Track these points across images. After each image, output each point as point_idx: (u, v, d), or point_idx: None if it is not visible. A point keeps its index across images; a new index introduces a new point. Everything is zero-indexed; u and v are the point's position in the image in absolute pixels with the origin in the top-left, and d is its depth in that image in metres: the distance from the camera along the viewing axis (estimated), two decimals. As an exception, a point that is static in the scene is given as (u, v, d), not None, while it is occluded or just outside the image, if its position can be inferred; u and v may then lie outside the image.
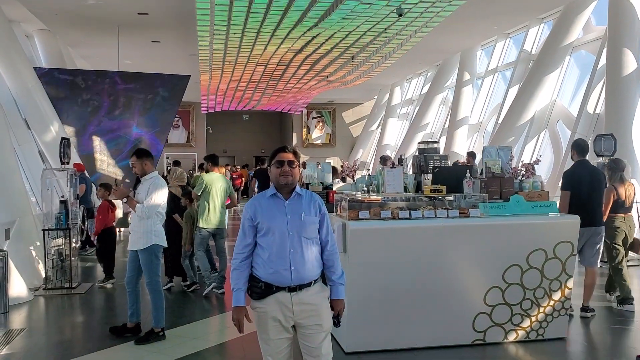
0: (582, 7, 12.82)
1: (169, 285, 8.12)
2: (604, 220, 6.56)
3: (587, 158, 6.50)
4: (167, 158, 26.98)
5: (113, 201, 8.93)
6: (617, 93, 10.88)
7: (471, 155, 13.32)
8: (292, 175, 3.29)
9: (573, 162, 6.53)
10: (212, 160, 8.06)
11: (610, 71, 11.18)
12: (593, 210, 5.96)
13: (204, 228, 7.66)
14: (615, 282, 6.90)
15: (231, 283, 3.30)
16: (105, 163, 14.42)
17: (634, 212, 7.29)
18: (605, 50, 11.82)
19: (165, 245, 5.79)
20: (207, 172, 8.04)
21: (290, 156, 3.31)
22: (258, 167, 17.63)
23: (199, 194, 7.72)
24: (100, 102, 13.59)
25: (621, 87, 10.85)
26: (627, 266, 9.22)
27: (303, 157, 27.71)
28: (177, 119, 27.49)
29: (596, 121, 12.21)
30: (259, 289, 3.25)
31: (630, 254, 9.45)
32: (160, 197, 5.57)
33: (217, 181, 7.75)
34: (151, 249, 5.55)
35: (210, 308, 7.30)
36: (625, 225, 6.83)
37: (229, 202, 8.43)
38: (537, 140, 14.53)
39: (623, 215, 6.82)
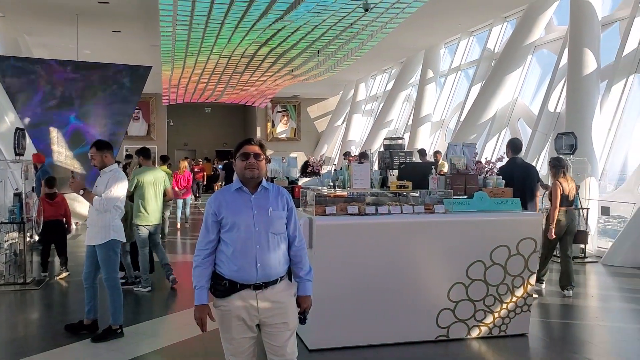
0: (545, 7, 13.02)
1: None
2: (555, 213, 7.16)
3: (520, 155, 7.27)
4: (127, 150, 26.44)
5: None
6: (577, 92, 11.09)
7: (421, 152, 13.43)
8: (258, 169, 3.14)
9: (507, 159, 7.16)
10: (143, 154, 7.70)
11: (571, 70, 11.39)
12: (525, 203, 6.40)
13: (141, 225, 7.34)
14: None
15: (193, 281, 3.14)
16: (63, 155, 13.99)
17: (595, 209, 7.50)
18: (566, 50, 12.04)
19: (124, 240, 5.61)
20: (139, 166, 7.68)
21: (256, 148, 3.16)
22: (227, 161, 17.41)
23: (132, 190, 7.31)
24: (56, 92, 13.15)
25: (582, 87, 11.06)
26: (585, 263, 9.45)
27: (267, 152, 27.48)
28: (137, 110, 26.95)
29: (557, 120, 12.45)
30: (222, 287, 3.12)
31: (587, 250, 9.73)
32: (120, 190, 5.39)
33: (150, 176, 7.43)
34: (109, 244, 5.36)
35: (170, 305, 7.14)
36: (567, 217, 7.31)
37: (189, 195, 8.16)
38: (499, 138, 14.73)
39: (565, 208, 7.29)
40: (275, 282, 3.14)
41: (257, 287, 3.10)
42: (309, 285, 3.29)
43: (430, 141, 17.92)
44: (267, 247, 3.10)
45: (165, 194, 7.63)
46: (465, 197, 5.55)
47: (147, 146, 8.89)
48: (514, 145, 7.21)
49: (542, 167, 12.59)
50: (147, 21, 13.67)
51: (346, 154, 15.02)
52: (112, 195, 5.28)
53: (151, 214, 7.35)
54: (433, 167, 5.73)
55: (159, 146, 27.44)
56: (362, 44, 14.00)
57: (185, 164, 14.59)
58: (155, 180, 7.47)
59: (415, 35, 15.85)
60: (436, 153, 13.34)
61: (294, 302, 3.24)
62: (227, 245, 3.11)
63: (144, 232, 7.38)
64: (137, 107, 26.03)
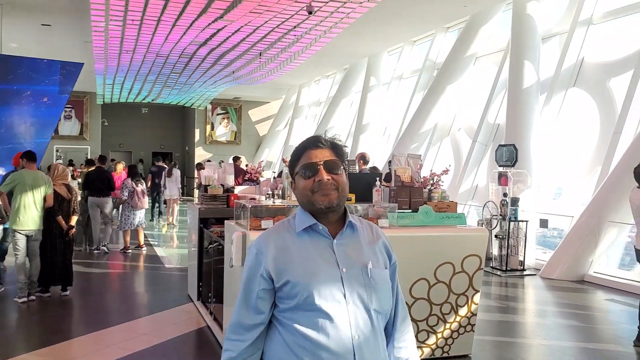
0: (486, 19, 13.11)
1: (47, 295, 7.28)
2: None
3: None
4: (57, 151, 25.19)
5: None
6: (518, 104, 11.14)
7: (362, 158, 13.17)
8: (339, 189, 1.85)
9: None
10: (27, 157, 7.36)
11: (511, 83, 11.45)
12: None
13: (17, 230, 6.94)
14: None
15: None
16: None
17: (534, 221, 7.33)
18: (506, 62, 12.12)
19: None
20: (22, 168, 7.30)
21: (327, 154, 1.87)
22: (158, 164, 16.58)
23: (5, 192, 7.03)
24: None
25: (522, 99, 11.13)
26: (524, 275, 9.43)
27: (205, 155, 26.76)
28: (70, 109, 25.73)
29: (496, 131, 12.51)
30: None
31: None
32: None
33: (30, 179, 7.03)
34: None
35: (93, 322, 6.54)
36: None
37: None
38: (439, 147, 14.74)
39: None
40: None
41: None
42: None
43: (372, 149, 17.78)
44: (371, 337, 1.79)
45: (45, 200, 7.13)
46: (410, 210, 5.29)
47: (76, 147, 8.37)
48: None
49: (480, 178, 12.63)
50: (79, 15, 12.89)
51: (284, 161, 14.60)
52: None
53: (30, 219, 6.94)
54: (377, 178, 5.44)
55: (92, 147, 26.27)
56: (306, 47, 13.70)
57: (121, 165, 14.26)
58: (35, 184, 7.02)
59: (358, 42, 15.70)
60: (389, 163, 13.13)
61: None
62: (295, 334, 1.76)
63: (19, 237, 6.96)
64: (69, 106, 24.92)
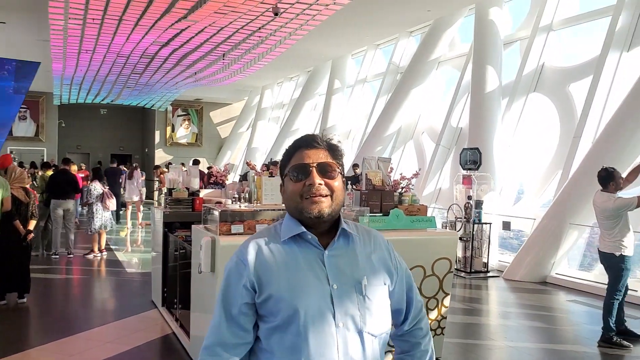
0: (449, 24, 13.28)
1: (2, 302, 7.00)
2: None
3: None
4: (12, 153, 24.37)
5: None
6: (480, 108, 11.30)
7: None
8: (333, 196, 1.64)
9: None
10: None
11: (474, 87, 11.61)
12: None
13: None
14: None
15: None
16: None
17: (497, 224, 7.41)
18: (469, 67, 12.29)
19: None
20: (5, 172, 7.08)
21: (321, 155, 1.67)
22: (112, 166, 16.08)
23: None
24: None
25: (484, 103, 11.29)
26: (487, 277, 9.54)
27: (166, 157, 26.32)
28: (25, 109, 24.95)
29: (459, 134, 12.67)
30: None
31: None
32: None
33: None
34: None
35: (54, 330, 6.31)
36: None
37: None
38: (403, 151, 14.86)
39: None
40: None
41: None
42: None
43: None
44: None
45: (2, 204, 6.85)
46: (381, 214, 5.27)
47: (31, 148, 8.10)
48: None
49: (443, 181, 12.77)
50: (36, 13, 12.49)
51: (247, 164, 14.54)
52: None
53: None
54: (349, 182, 5.41)
55: (48, 148, 25.55)
56: (270, 49, 13.61)
57: (75, 167, 13.94)
58: None
59: (322, 44, 15.70)
60: (354, 166, 13.23)
61: None
62: (274, 358, 1.59)
63: None
64: (24, 106, 24.17)
